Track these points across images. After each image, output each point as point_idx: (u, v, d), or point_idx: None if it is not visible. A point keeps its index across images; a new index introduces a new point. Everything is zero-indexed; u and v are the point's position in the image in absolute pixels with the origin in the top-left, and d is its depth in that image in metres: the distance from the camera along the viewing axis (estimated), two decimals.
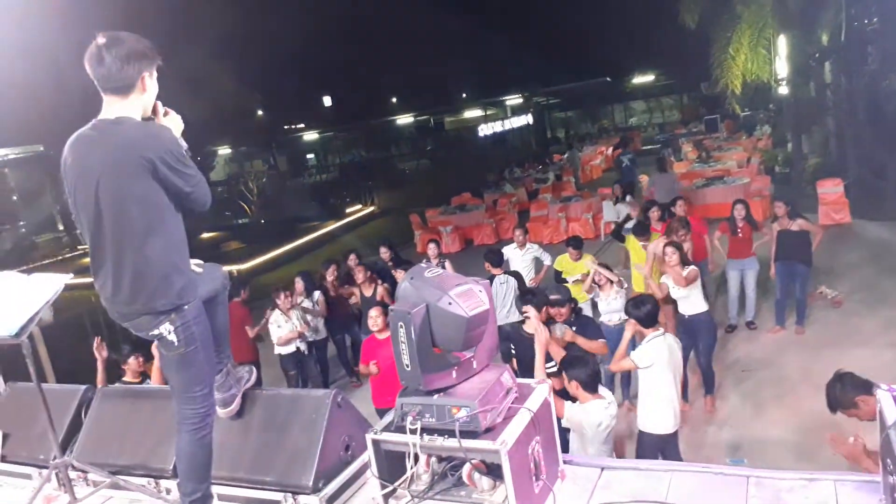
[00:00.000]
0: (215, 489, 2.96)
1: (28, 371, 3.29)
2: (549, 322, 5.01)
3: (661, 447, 4.98)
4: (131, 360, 5.52)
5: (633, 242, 8.17)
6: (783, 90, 17.85)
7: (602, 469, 2.87)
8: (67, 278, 3.16)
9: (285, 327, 7.85)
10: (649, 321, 4.91)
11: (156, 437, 3.41)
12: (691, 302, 6.65)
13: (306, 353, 8.21)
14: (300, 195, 29.73)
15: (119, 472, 3.34)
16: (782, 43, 16.61)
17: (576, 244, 8.01)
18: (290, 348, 7.96)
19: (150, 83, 2.56)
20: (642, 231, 8.07)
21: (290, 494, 2.91)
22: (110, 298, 2.57)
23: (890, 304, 8.13)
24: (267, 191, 28.66)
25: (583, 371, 4.11)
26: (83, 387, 3.85)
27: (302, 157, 44.71)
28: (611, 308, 6.86)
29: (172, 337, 2.56)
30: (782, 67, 17.16)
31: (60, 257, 23.76)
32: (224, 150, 34.59)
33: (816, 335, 7.83)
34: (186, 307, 2.57)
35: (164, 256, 2.51)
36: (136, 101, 2.53)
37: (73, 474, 3.37)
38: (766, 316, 8.42)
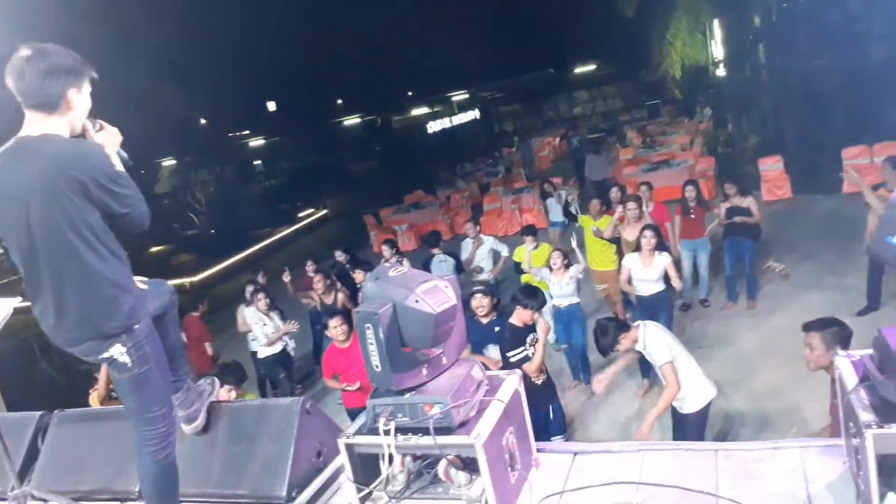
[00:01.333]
0: None
1: None
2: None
3: (704, 418, 4.95)
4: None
5: (586, 220, 8.31)
6: (721, 73, 18.37)
7: (575, 454, 2.91)
8: (16, 302, 3.04)
9: (271, 325, 7.68)
10: (612, 345, 4.85)
11: (119, 460, 3.30)
12: (655, 282, 6.79)
13: (292, 353, 8.10)
14: (250, 202, 29.23)
15: (82, 499, 3.24)
16: (717, 27, 17.07)
17: (531, 232, 8.12)
18: (277, 349, 7.79)
19: (78, 99, 2.42)
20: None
21: None
22: (53, 326, 2.47)
23: (835, 273, 8.44)
24: (215, 200, 28.11)
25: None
26: (38, 413, 3.71)
27: (249, 164, 43.98)
28: (563, 292, 7.07)
29: (125, 359, 2.48)
30: (719, 51, 17.65)
31: (5, 280, 22.86)
32: (168, 162, 33.80)
33: (768, 308, 8.07)
34: (137, 327, 2.49)
35: (107, 278, 2.41)
36: (62, 118, 2.39)
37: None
38: (719, 293, 8.64)
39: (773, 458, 2.60)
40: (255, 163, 44.90)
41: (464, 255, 8.89)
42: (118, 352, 2.47)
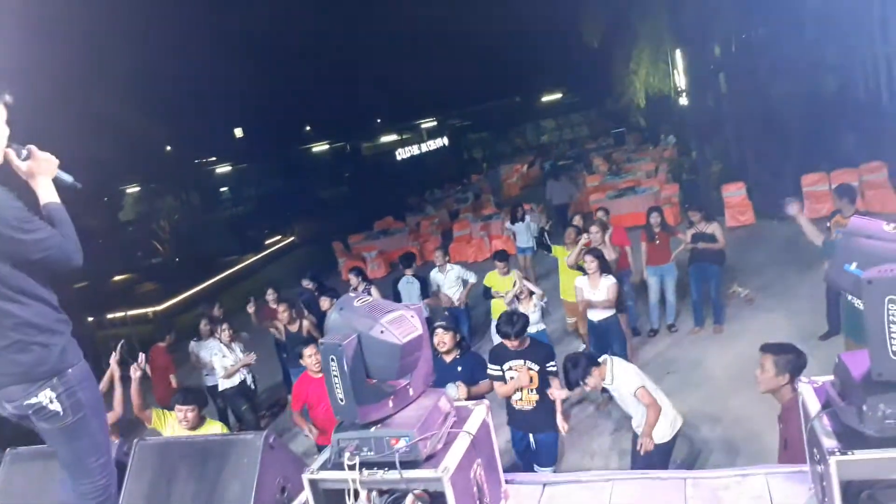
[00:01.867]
0: None
1: None
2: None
3: (671, 448, 5.03)
4: None
5: (559, 251, 8.35)
6: (684, 101, 18.81)
7: (544, 485, 2.88)
8: None
9: (230, 357, 7.53)
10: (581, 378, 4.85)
11: (74, 496, 3.17)
12: (604, 308, 6.93)
13: (252, 386, 7.93)
14: (216, 230, 28.94)
15: None
16: (679, 57, 17.52)
17: (502, 258, 8.13)
18: (236, 381, 7.63)
19: None
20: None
21: None
22: None
23: (797, 296, 8.59)
24: (180, 228, 27.73)
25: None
26: None
27: (215, 191, 43.62)
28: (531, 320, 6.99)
29: (56, 406, 2.29)
30: (681, 80, 18.10)
31: None
32: (133, 189, 33.33)
33: (733, 332, 8.17)
34: (70, 371, 2.33)
35: (29, 322, 2.25)
36: None
37: None
38: (685, 318, 8.73)
39: (739, 485, 2.60)
40: (222, 189, 44.57)
41: (433, 286, 8.89)
42: (47, 398, 2.28)
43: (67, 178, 2.45)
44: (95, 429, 2.44)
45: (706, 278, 8.24)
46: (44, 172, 2.37)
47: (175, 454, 3.10)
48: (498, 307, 7.52)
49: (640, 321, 8.83)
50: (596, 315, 7.06)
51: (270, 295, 8.75)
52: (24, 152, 2.37)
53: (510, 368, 5.17)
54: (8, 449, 3.57)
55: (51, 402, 2.29)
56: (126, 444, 3.29)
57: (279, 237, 25.56)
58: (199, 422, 4.85)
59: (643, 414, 4.87)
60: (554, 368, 5.16)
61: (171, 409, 5.00)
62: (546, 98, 42.57)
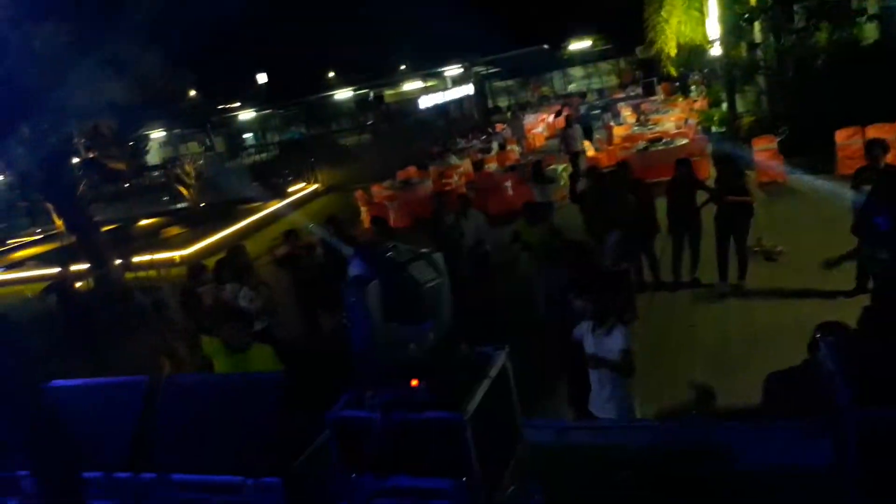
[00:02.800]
0: (179, 478, 2.88)
1: None
2: None
3: None
4: None
5: None
6: (716, 51, 18.27)
7: (560, 429, 2.91)
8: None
9: (256, 301, 7.63)
10: None
11: (107, 430, 3.30)
12: None
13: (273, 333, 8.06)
14: (240, 176, 29.02)
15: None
16: (713, 5, 16.94)
17: (531, 210, 8.07)
18: (257, 327, 7.70)
19: None
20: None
21: (250, 477, 2.86)
22: None
23: (826, 252, 8.44)
24: (205, 173, 27.88)
25: None
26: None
27: (239, 137, 43.65)
28: None
29: None
30: (714, 29, 17.54)
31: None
32: (158, 134, 33.48)
33: (757, 287, 8.09)
34: None
35: None
36: None
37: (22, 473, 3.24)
38: (709, 271, 8.65)
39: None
40: (246, 136, 44.59)
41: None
42: None
43: None
44: None
45: (733, 232, 8.13)
46: None
47: (201, 392, 3.18)
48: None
49: (661, 273, 8.78)
50: None
51: (286, 239, 8.82)
52: None
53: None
54: (164, 377, 3.68)
55: None
56: (155, 380, 3.39)
57: (302, 184, 25.61)
58: (247, 343, 4.91)
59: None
60: None
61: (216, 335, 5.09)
62: (574, 46, 41.61)
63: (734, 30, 16.13)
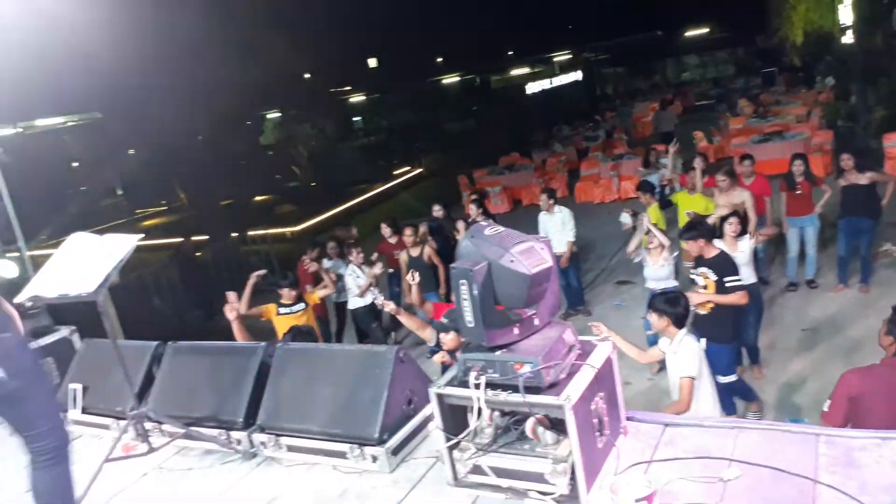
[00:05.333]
0: (286, 441, 3.05)
1: (101, 328, 3.43)
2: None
3: None
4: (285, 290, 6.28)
5: (683, 198, 7.92)
6: (847, 39, 17.02)
7: (665, 426, 2.87)
8: (138, 238, 3.26)
9: (363, 277, 7.88)
10: (680, 322, 4.27)
11: (224, 391, 3.54)
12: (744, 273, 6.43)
13: (381, 307, 8.27)
14: (348, 158, 29.83)
15: (191, 424, 3.49)
16: None
17: (646, 188, 7.87)
18: (367, 300, 7.95)
19: None
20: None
21: (356, 446, 3.00)
22: None
23: None
24: (315, 154, 28.87)
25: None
26: (154, 343, 4.02)
27: (348, 120, 44.80)
28: (657, 275, 6.59)
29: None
30: (847, 15, 16.33)
31: (121, 221, 24.62)
32: (273, 115, 34.93)
33: (881, 294, 7.56)
34: (3, 337, 2.33)
35: None
36: None
37: (148, 425, 3.54)
38: (827, 275, 8.17)
39: (879, 447, 2.48)
40: (355, 119, 45.70)
41: (541, 230, 8.51)
42: None
43: None
44: (38, 393, 2.43)
45: (857, 233, 7.63)
46: None
47: (313, 359, 3.36)
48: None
49: (768, 273, 8.36)
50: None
51: (386, 229, 8.78)
52: None
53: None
54: (169, 342, 4.01)
55: None
56: (271, 346, 3.61)
57: (407, 168, 26.04)
58: (298, 299, 6.27)
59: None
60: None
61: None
62: (690, 33, 39.89)
63: (870, 16, 14.97)
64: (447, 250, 8.32)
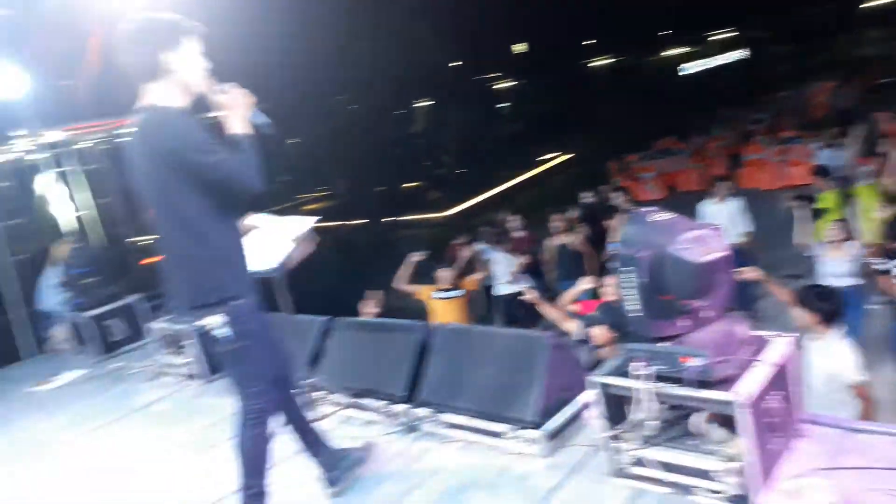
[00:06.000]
0: (446, 417, 3.14)
1: (274, 303, 3.70)
2: None
3: None
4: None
5: (863, 187, 7.15)
6: None
7: (851, 430, 2.65)
8: (313, 221, 3.49)
9: (513, 263, 7.93)
10: (830, 320, 3.76)
11: (386, 366, 3.73)
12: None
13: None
14: (495, 144, 29.98)
15: (356, 395, 3.70)
16: None
17: (823, 173, 7.28)
18: (515, 287, 7.94)
19: (178, 61, 2.40)
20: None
21: (513, 427, 3.04)
22: (168, 287, 2.58)
23: None
24: (463, 141, 29.29)
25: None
26: (323, 318, 4.29)
27: (495, 106, 44.94)
28: (836, 271, 5.94)
29: (224, 331, 2.48)
30: None
31: (286, 205, 26.44)
32: (422, 103, 35.85)
33: None
34: (238, 302, 2.48)
35: (203, 249, 2.44)
36: (166, 84, 2.41)
37: (316, 394, 3.79)
38: None
39: None
40: (501, 105, 45.78)
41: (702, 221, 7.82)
42: (215, 322, 2.47)
43: (260, 117, 2.56)
44: (257, 358, 2.59)
45: None
46: (237, 107, 2.49)
47: (473, 341, 3.43)
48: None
49: None
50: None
51: (513, 222, 8.63)
52: (220, 89, 2.52)
53: None
54: (338, 317, 4.26)
55: (219, 326, 2.49)
56: (428, 329, 3.75)
57: (556, 154, 25.76)
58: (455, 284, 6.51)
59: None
60: None
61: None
62: (870, 4, 36.05)
63: None
64: (595, 238, 8.02)
